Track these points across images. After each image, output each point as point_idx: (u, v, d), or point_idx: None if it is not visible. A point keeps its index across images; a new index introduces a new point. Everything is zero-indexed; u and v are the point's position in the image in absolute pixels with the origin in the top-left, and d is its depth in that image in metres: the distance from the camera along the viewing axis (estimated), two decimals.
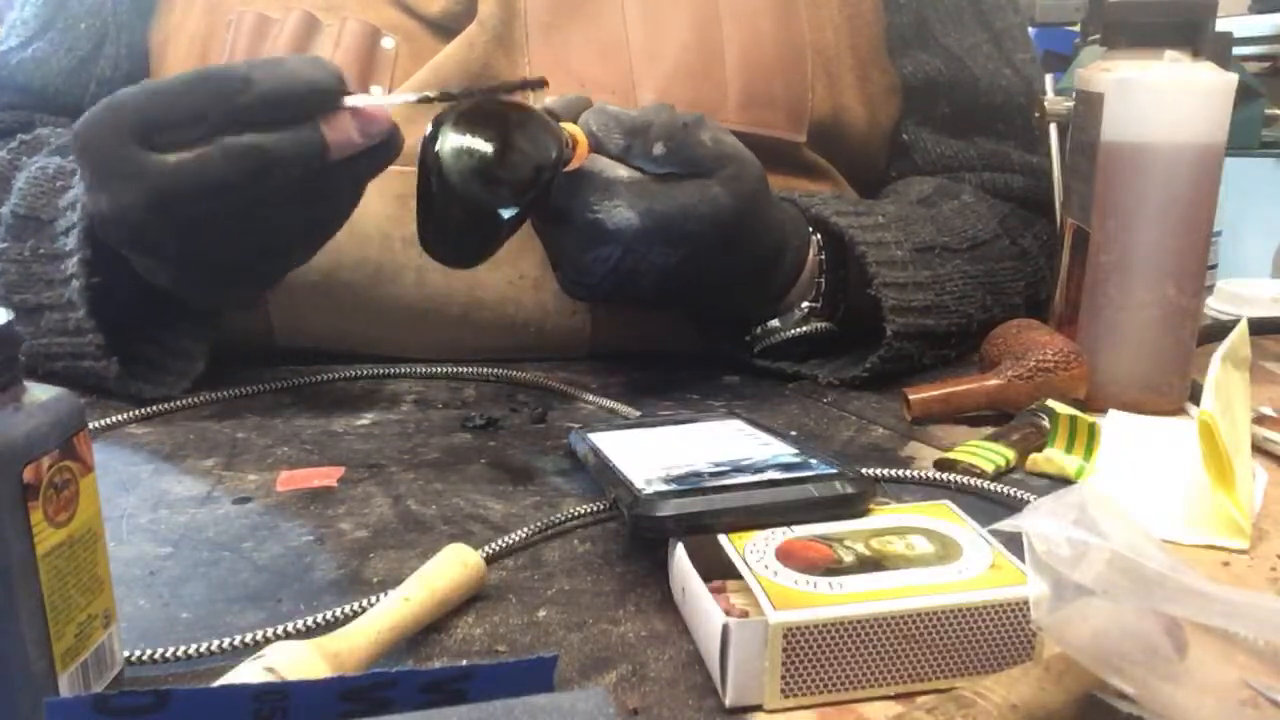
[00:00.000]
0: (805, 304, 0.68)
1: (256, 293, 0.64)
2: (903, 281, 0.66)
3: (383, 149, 0.57)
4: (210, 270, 0.60)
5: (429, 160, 0.53)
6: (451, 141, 0.53)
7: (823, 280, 0.68)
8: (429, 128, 0.54)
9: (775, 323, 0.69)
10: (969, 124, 0.82)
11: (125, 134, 0.54)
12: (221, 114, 0.53)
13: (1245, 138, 1.57)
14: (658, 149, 0.59)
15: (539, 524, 0.46)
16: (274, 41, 0.70)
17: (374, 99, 0.57)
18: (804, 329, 0.68)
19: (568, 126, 0.58)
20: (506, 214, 0.55)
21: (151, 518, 0.49)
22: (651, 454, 0.48)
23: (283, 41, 0.70)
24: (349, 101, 0.55)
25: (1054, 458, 0.54)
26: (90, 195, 0.57)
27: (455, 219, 0.55)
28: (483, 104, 0.55)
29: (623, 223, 0.57)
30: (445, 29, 0.72)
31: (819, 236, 0.69)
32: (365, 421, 0.62)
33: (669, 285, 0.62)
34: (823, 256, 0.68)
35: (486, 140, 0.54)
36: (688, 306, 0.70)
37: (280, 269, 0.62)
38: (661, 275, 0.61)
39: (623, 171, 0.59)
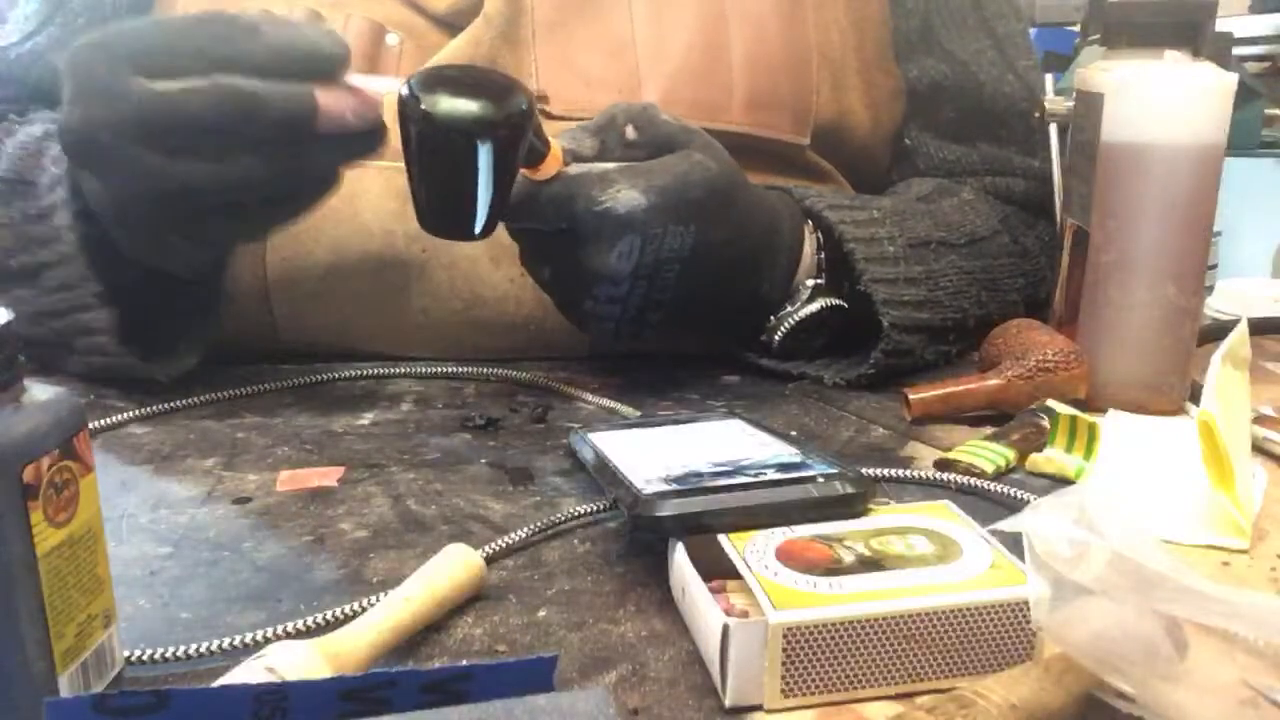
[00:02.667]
0: (810, 281, 0.68)
1: (203, 256, 0.62)
2: (893, 277, 0.66)
3: (368, 138, 0.56)
4: (159, 217, 0.57)
5: (406, 110, 0.52)
6: (421, 82, 0.53)
7: (822, 255, 0.68)
8: (402, 89, 0.53)
9: (787, 307, 0.68)
10: (972, 129, 0.82)
11: (118, 56, 0.52)
12: (223, 55, 0.52)
13: (1245, 138, 1.57)
14: (629, 132, 0.61)
15: (539, 524, 0.46)
16: None
17: (374, 81, 0.56)
18: (814, 307, 0.67)
19: (551, 149, 0.58)
20: (483, 147, 0.53)
21: (151, 518, 0.49)
22: (651, 454, 0.48)
23: None
24: (350, 79, 0.55)
25: (1054, 458, 0.54)
26: (64, 109, 0.55)
27: (438, 164, 0.53)
28: (445, 66, 0.56)
29: (632, 203, 0.58)
30: (451, 26, 0.72)
31: (819, 234, 0.69)
32: (365, 421, 0.62)
33: (692, 284, 0.62)
34: (820, 236, 0.69)
35: (454, 76, 0.54)
36: (713, 313, 0.67)
37: (236, 235, 0.60)
38: (684, 270, 0.60)
39: (609, 164, 0.60)
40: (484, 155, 0.53)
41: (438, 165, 0.54)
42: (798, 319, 0.68)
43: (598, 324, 0.62)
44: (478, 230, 0.56)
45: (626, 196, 0.58)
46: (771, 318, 0.69)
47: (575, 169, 0.59)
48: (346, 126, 0.54)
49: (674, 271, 0.61)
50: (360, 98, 0.55)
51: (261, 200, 0.57)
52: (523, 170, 0.57)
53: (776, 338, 0.68)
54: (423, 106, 0.52)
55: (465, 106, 0.53)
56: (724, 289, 0.65)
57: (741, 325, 0.70)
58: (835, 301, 0.68)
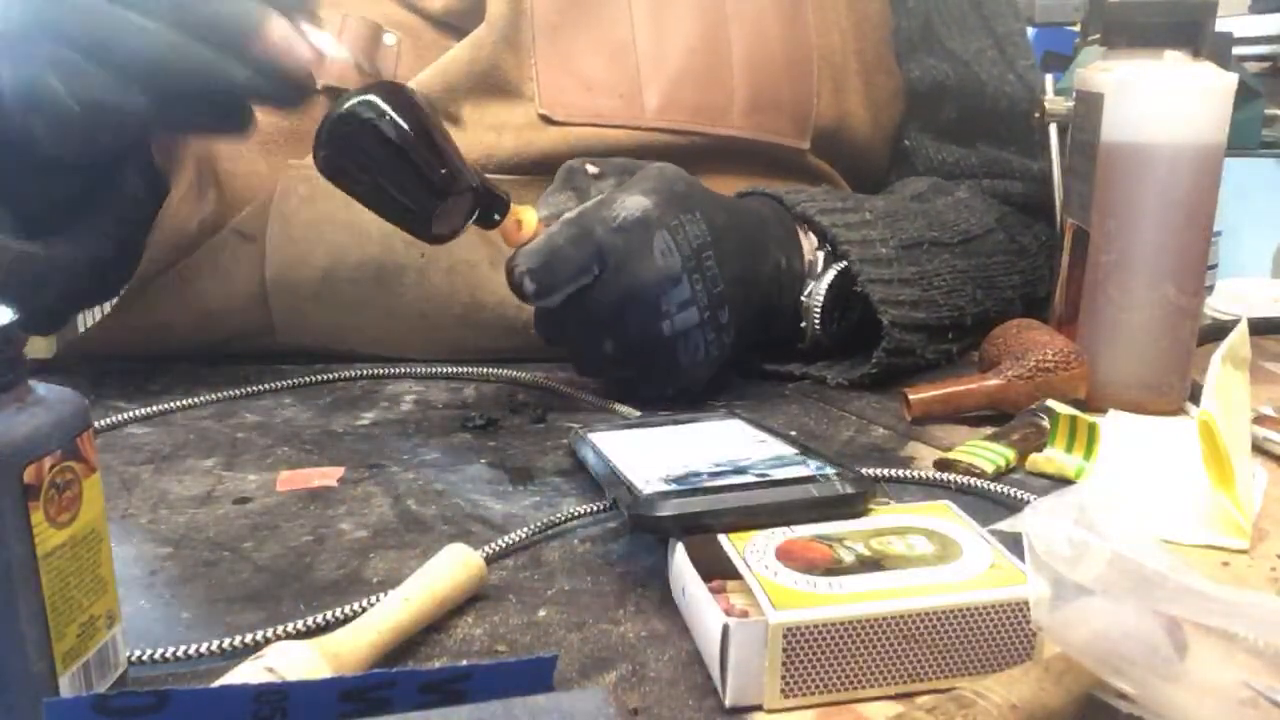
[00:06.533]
0: (819, 253, 0.68)
1: (106, 226, 0.60)
2: (888, 278, 0.66)
3: (291, 84, 0.55)
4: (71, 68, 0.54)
5: (325, 133, 0.53)
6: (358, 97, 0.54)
7: (820, 245, 0.68)
8: (343, 104, 0.53)
9: (810, 284, 0.67)
10: (973, 129, 0.82)
11: None
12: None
13: (1245, 138, 1.57)
14: (590, 168, 0.62)
15: (539, 524, 0.46)
16: None
17: (325, 39, 0.56)
18: (834, 271, 0.66)
19: (517, 208, 0.59)
20: (387, 117, 0.53)
21: (151, 518, 0.49)
22: (651, 454, 0.48)
23: None
24: (306, 28, 0.55)
25: (1054, 458, 0.54)
26: None
27: (368, 157, 0.54)
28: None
29: (641, 205, 0.59)
30: (448, 26, 0.72)
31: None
32: (365, 421, 0.62)
33: (731, 267, 0.61)
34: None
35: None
36: (759, 295, 0.65)
37: (134, 119, 0.56)
38: (717, 254, 0.60)
39: (597, 196, 0.61)
40: (390, 123, 0.53)
41: (368, 160, 0.54)
42: (825, 289, 0.66)
43: (685, 345, 0.60)
44: (437, 191, 0.55)
45: (633, 202, 0.59)
46: (803, 299, 0.67)
47: (571, 212, 0.60)
48: (278, 60, 0.53)
49: (712, 258, 0.60)
50: (307, 44, 0.54)
51: (164, 92, 0.54)
52: (500, 233, 0.58)
53: (816, 318, 0.67)
54: (332, 115, 0.53)
55: (355, 94, 0.53)
56: (754, 266, 0.64)
57: (785, 310, 0.68)
58: (848, 266, 0.66)
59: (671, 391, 0.63)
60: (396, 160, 0.54)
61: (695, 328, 0.60)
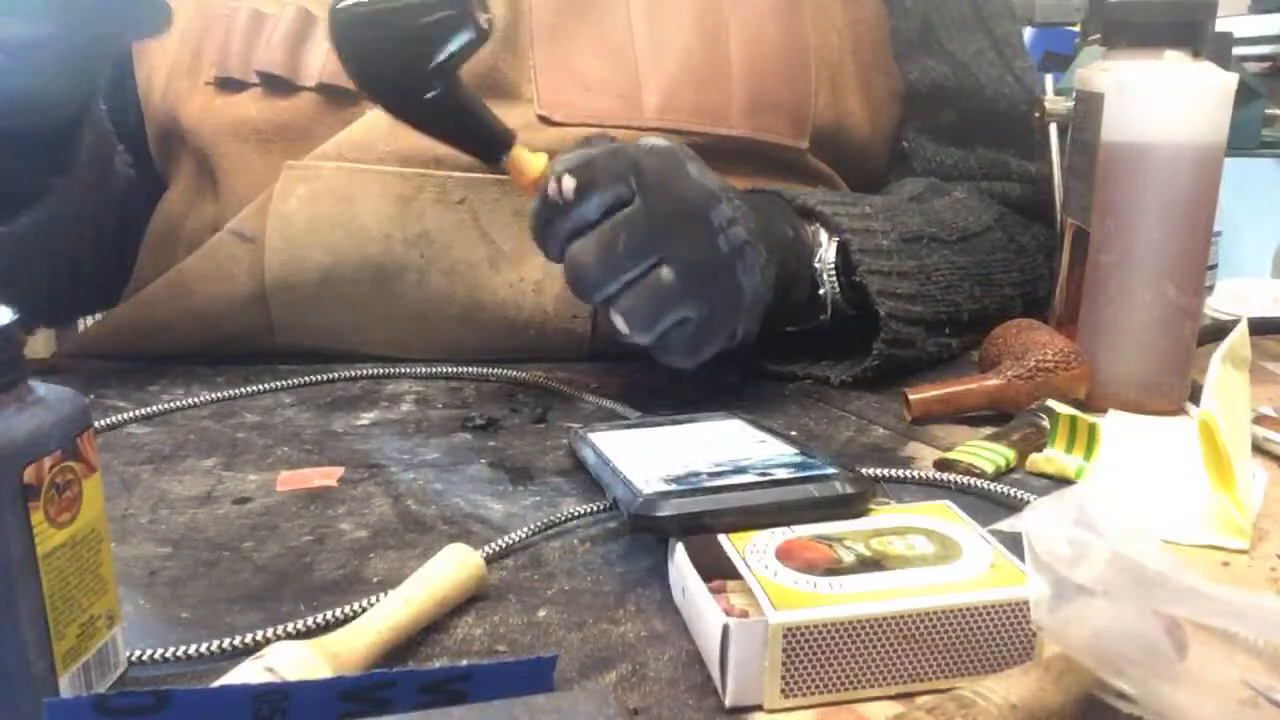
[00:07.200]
0: (818, 225, 0.68)
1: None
2: (887, 270, 0.66)
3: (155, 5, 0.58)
4: None
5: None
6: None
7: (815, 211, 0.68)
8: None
9: (818, 253, 0.67)
10: (971, 131, 0.83)
11: None
12: None
13: (1245, 138, 1.57)
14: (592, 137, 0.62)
15: (539, 524, 0.46)
16: (269, 37, 0.70)
17: None
18: (836, 242, 0.67)
19: (530, 156, 0.59)
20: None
21: (151, 518, 0.49)
22: (651, 454, 0.48)
23: (278, 37, 0.70)
24: None
25: (1054, 458, 0.54)
26: None
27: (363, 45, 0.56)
28: None
29: (661, 140, 0.60)
30: None
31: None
32: (365, 421, 0.62)
33: (746, 210, 0.60)
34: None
35: None
36: (781, 246, 0.64)
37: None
38: (731, 196, 0.60)
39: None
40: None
41: (376, 20, 0.55)
42: (833, 254, 0.67)
43: (743, 262, 0.59)
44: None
45: (653, 140, 0.59)
46: (815, 264, 0.67)
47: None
48: None
49: (731, 193, 0.60)
50: None
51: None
52: (511, 168, 0.59)
53: (833, 279, 0.67)
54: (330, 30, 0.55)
55: None
56: (768, 226, 0.63)
57: (803, 276, 0.67)
58: (847, 240, 0.66)
59: (740, 331, 0.60)
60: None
61: (747, 244, 0.59)
